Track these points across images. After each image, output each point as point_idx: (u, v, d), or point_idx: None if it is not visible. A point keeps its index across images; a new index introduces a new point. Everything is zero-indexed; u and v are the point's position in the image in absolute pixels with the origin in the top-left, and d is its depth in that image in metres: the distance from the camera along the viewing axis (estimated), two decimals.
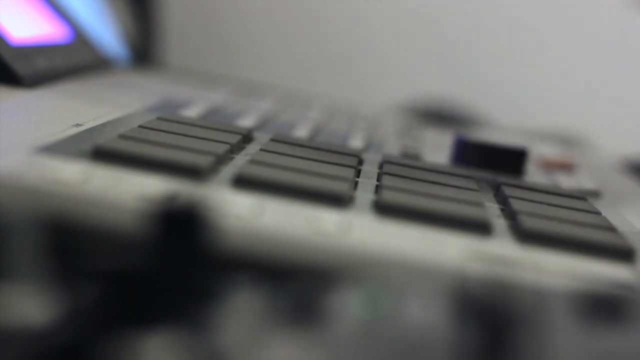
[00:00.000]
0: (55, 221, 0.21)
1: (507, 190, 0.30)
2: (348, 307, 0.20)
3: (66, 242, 0.21)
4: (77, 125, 0.29)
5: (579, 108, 0.66)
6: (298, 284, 0.20)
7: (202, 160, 0.25)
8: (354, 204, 0.25)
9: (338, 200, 0.24)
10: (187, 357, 0.19)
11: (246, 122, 0.37)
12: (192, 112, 0.37)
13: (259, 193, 0.24)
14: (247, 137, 0.32)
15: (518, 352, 0.19)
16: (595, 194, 0.35)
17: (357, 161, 0.31)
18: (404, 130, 0.45)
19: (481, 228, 0.24)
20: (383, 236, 0.23)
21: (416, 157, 0.36)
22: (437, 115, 0.57)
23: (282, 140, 0.31)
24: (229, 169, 0.27)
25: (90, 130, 0.29)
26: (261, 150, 0.29)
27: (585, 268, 0.23)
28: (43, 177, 0.22)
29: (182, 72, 0.55)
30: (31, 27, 0.42)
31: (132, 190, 0.22)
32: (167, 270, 0.20)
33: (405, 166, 0.31)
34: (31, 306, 0.19)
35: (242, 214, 0.22)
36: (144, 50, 0.56)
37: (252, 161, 0.27)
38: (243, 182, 0.24)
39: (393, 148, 0.38)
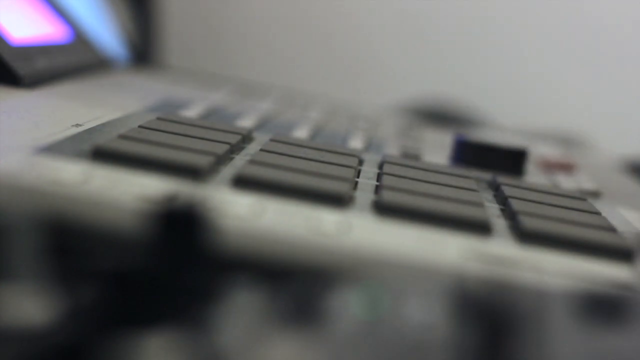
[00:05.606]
0: (55, 221, 0.21)
1: (507, 190, 0.30)
2: (348, 307, 0.20)
3: (66, 243, 0.21)
4: (77, 125, 0.29)
5: (579, 108, 0.66)
6: (298, 284, 0.20)
7: (202, 160, 0.25)
8: (354, 204, 0.25)
9: (338, 201, 0.24)
10: (187, 357, 0.19)
11: (246, 122, 0.37)
12: (192, 112, 0.37)
13: (258, 193, 0.24)
14: (247, 137, 0.32)
15: (518, 353, 0.19)
16: (595, 194, 0.35)
17: (357, 161, 0.30)
18: (404, 130, 0.45)
19: (481, 228, 0.24)
20: (383, 236, 0.23)
21: (416, 157, 0.36)
22: (437, 115, 0.57)
23: (282, 140, 0.31)
24: (229, 169, 0.27)
25: (90, 131, 0.29)
26: (261, 150, 0.29)
27: (585, 268, 0.23)
28: (43, 178, 0.22)
29: (182, 72, 0.55)
30: (31, 27, 0.42)
31: (131, 191, 0.22)
32: (167, 271, 0.20)
33: (405, 166, 0.31)
34: (31, 306, 0.19)
35: (242, 214, 0.22)
36: (144, 51, 0.56)
37: (252, 161, 0.27)
38: (243, 182, 0.24)
39: (393, 148, 0.38)
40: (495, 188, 0.31)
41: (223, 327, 0.19)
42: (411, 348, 0.19)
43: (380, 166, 0.31)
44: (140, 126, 0.29)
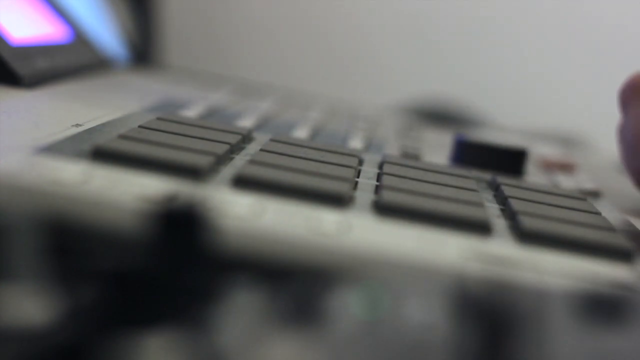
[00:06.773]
0: (54, 221, 0.21)
1: (507, 190, 0.30)
2: (348, 307, 0.20)
3: (66, 243, 0.21)
4: (77, 125, 0.29)
5: (579, 108, 0.66)
6: (298, 284, 0.20)
7: (202, 160, 0.25)
8: (354, 204, 0.25)
9: (338, 201, 0.24)
10: (187, 357, 0.19)
11: (246, 122, 0.37)
12: (192, 112, 0.37)
13: (258, 193, 0.24)
14: (247, 137, 0.32)
15: (518, 353, 0.19)
16: (595, 194, 0.35)
17: (357, 161, 0.30)
18: (404, 130, 0.45)
19: (481, 228, 0.24)
20: (383, 236, 0.23)
21: (416, 157, 0.36)
22: (437, 115, 0.57)
23: (282, 140, 0.31)
24: (229, 169, 0.27)
25: (90, 131, 0.29)
26: (261, 150, 0.29)
27: (585, 268, 0.23)
28: (43, 178, 0.22)
29: (182, 72, 0.55)
30: (31, 27, 0.42)
31: (131, 191, 0.22)
32: (167, 271, 0.20)
33: (405, 166, 0.31)
34: (31, 306, 0.19)
35: (242, 214, 0.22)
36: (144, 51, 0.56)
37: (252, 161, 0.27)
38: (243, 182, 0.24)
39: (393, 148, 0.38)
40: (495, 188, 0.31)
41: (223, 327, 0.19)
42: (411, 348, 0.19)
43: (380, 166, 0.31)
44: (140, 126, 0.29)
